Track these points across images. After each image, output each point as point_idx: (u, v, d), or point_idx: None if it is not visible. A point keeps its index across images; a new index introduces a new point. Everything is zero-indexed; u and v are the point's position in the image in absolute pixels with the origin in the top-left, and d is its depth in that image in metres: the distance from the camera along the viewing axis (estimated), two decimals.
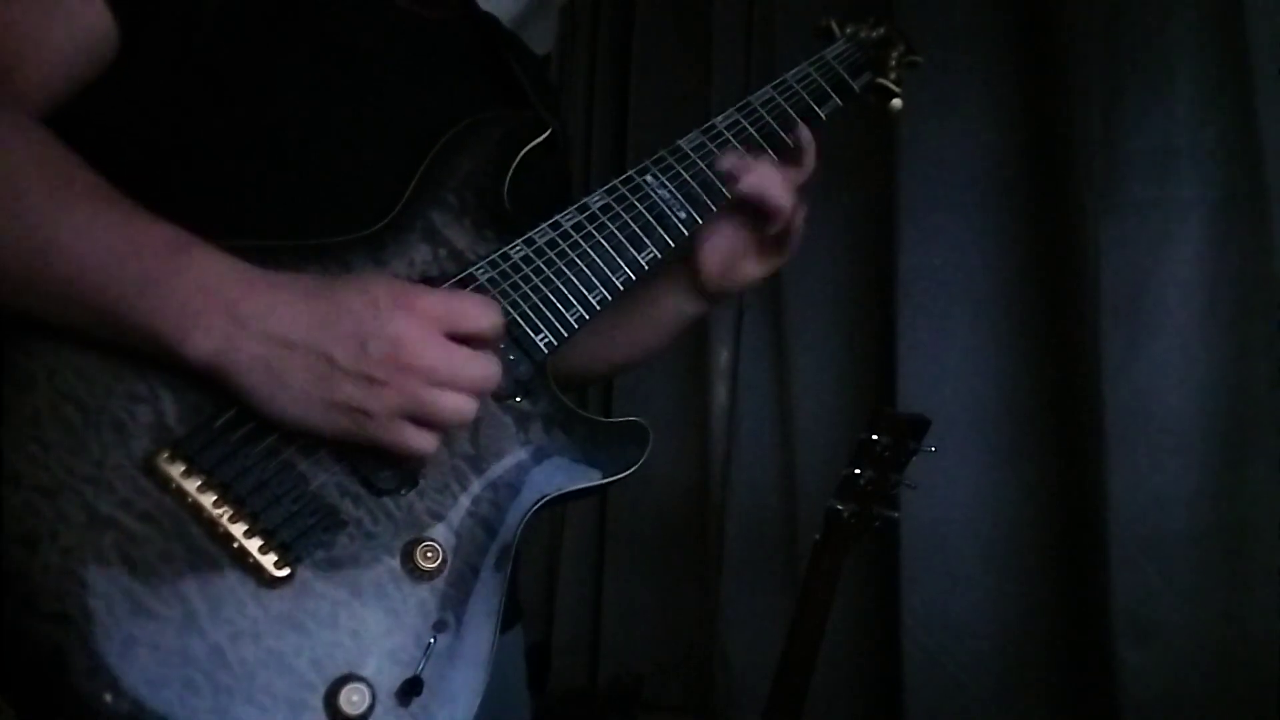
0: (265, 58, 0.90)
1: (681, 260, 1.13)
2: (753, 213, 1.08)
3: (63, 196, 0.72)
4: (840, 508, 1.56)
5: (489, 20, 1.19)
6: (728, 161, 1.04)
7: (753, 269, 1.14)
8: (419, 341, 0.74)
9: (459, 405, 0.76)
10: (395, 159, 0.94)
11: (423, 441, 0.76)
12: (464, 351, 0.76)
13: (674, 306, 1.18)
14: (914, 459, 1.58)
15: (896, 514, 1.60)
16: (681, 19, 2.97)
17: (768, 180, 1.05)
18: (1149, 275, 1.87)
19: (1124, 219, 1.89)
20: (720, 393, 2.75)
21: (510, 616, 1.08)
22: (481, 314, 0.78)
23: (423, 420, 0.75)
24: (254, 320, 0.72)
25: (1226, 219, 1.81)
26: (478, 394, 0.77)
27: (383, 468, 0.78)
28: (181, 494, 0.70)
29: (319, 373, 0.72)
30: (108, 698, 0.64)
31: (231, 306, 0.72)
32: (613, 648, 2.86)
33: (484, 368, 0.77)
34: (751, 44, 2.73)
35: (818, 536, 1.57)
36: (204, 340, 0.71)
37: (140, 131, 0.86)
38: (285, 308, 0.73)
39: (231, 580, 0.70)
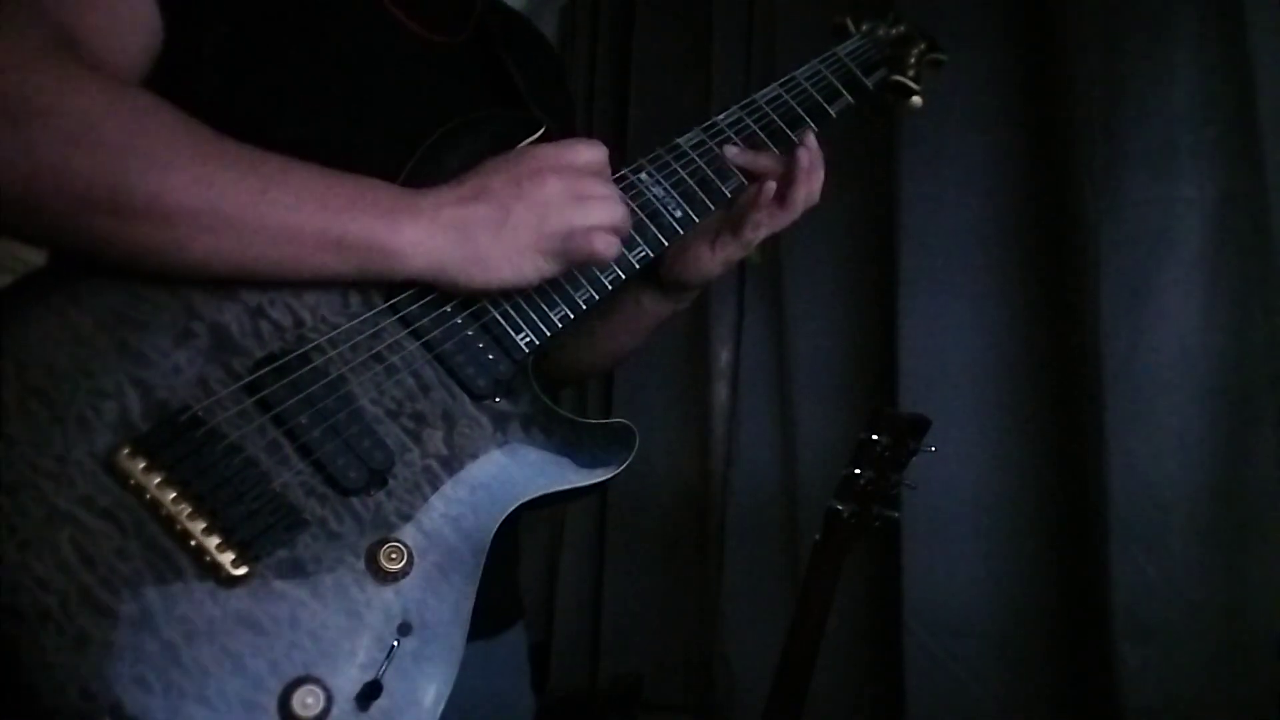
0: (267, 63, 0.89)
1: None
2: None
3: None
4: (840, 508, 1.55)
5: (500, 17, 1.16)
6: (731, 151, 1.04)
7: (709, 262, 1.12)
8: (550, 159, 0.87)
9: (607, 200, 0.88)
10: (393, 168, 0.91)
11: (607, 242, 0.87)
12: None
13: (635, 304, 1.17)
14: (914, 459, 1.58)
15: (896, 514, 1.60)
16: (681, 19, 2.96)
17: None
18: (1149, 275, 1.86)
19: (1124, 219, 1.88)
20: (720, 393, 2.74)
21: (511, 614, 1.08)
22: (588, 150, 0.89)
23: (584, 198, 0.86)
24: (436, 205, 0.83)
25: (1226, 219, 1.80)
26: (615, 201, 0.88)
27: (350, 466, 0.77)
28: (140, 490, 0.69)
29: (498, 218, 0.83)
30: (58, 694, 0.64)
31: (415, 199, 0.83)
32: (613, 648, 2.85)
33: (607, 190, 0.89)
34: (752, 44, 2.72)
35: (818, 536, 1.57)
36: (411, 225, 0.81)
37: None
38: (446, 191, 0.85)
39: (188, 578, 0.69)
